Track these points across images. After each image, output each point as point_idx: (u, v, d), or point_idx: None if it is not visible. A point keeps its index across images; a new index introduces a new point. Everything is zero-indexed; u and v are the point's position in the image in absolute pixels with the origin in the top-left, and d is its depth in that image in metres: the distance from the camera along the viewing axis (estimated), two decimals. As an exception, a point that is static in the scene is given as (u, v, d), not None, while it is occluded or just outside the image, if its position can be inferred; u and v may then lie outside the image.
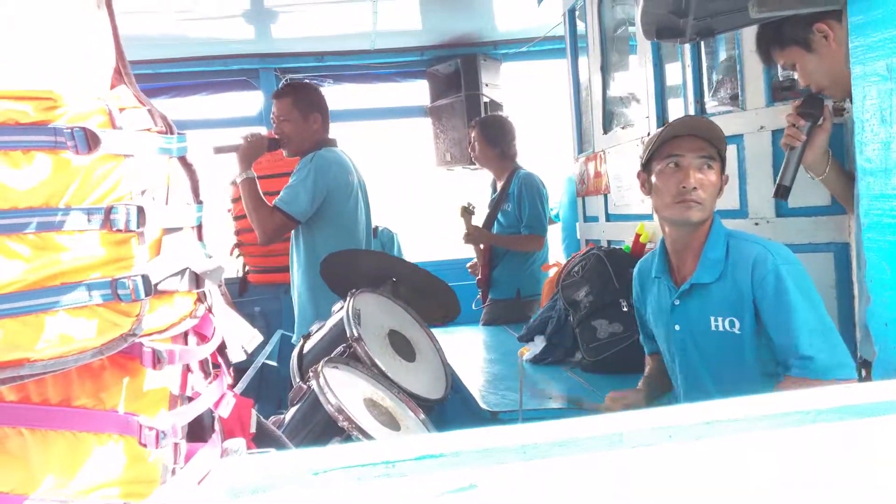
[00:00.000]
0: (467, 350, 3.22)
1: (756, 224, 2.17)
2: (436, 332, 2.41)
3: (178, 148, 0.98)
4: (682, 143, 1.76)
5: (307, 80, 4.72)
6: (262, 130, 3.15)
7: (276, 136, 3.02)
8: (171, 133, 0.97)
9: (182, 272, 0.94)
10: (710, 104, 2.42)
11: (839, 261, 2.02)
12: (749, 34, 2.15)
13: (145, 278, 0.88)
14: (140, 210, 0.87)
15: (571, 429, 1.08)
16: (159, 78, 4.79)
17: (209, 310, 0.99)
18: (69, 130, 0.82)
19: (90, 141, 0.83)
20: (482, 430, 1.10)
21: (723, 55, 2.39)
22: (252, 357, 3.25)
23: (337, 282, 2.52)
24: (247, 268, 4.63)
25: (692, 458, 1.07)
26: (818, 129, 1.75)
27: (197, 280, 0.96)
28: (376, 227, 4.48)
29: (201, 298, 0.98)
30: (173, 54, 4.59)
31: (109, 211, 0.86)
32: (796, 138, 1.73)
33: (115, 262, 0.87)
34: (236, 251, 4.58)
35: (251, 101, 5.02)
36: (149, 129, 0.94)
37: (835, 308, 2.03)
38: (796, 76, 1.93)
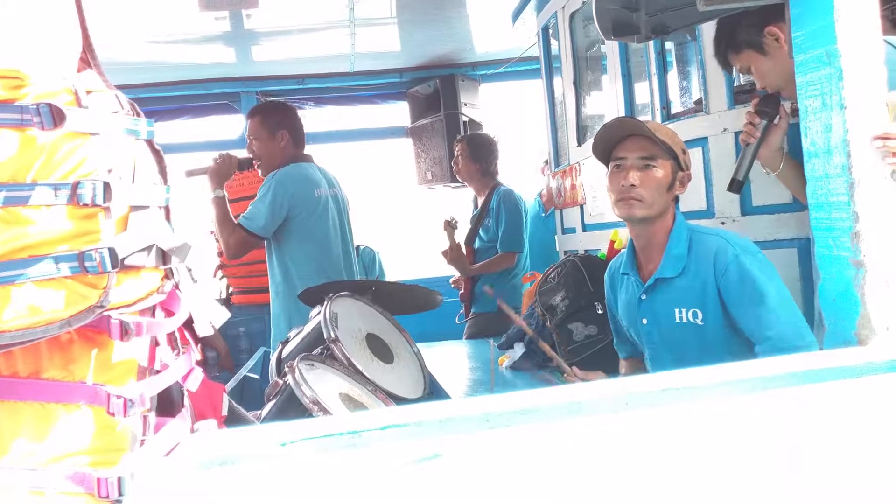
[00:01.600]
0: (449, 360, 3.24)
1: (722, 223, 2.23)
2: (419, 345, 2.44)
3: (147, 131, 1.01)
4: (625, 145, 1.85)
5: (284, 101, 4.80)
6: (243, 153, 3.20)
7: (249, 156, 3.08)
8: (138, 116, 1.00)
9: (149, 248, 0.97)
10: (676, 109, 2.49)
11: (802, 255, 2.08)
12: (709, 40, 2.24)
13: (112, 251, 0.91)
14: (106, 185, 0.90)
15: (532, 398, 1.12)
16: (140, 102, 4.66)
17: (176, 286, 1.02)
18: (35, 106, 0.86)
19: (55, 117, 0.87)
20: (446, 402, 1.13)
21: (690, 63, 2.47)
22: (234, 370, 3.26)
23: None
24: (230, 289, 4.64)
25: (649, 424, 1.11)
26: (773, 127, 1.82)
27: (164, 256, 0.99)
28: (358, 247, 4.52)
29: (168, 275, 1.01)
30: (154, 79, 4.65)
31: (76, 186, 0.89)
32: (751, 135, 1.80)
33: (81, 235, 0.90)
34: (219, 273, 4.59)
35: (232, 125, 5.09)
36: (115, 112, 0.97)
37: (800, 300, 2.08)
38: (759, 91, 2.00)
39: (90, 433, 0.93)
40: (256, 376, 3.30)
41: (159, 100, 4.88)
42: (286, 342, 2.23)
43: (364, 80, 5.02)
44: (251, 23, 3.84)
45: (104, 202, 0.91)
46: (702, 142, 2.27)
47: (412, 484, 1.03)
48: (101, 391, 0.93)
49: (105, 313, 0.93)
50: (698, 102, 2.35)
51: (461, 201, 4.53)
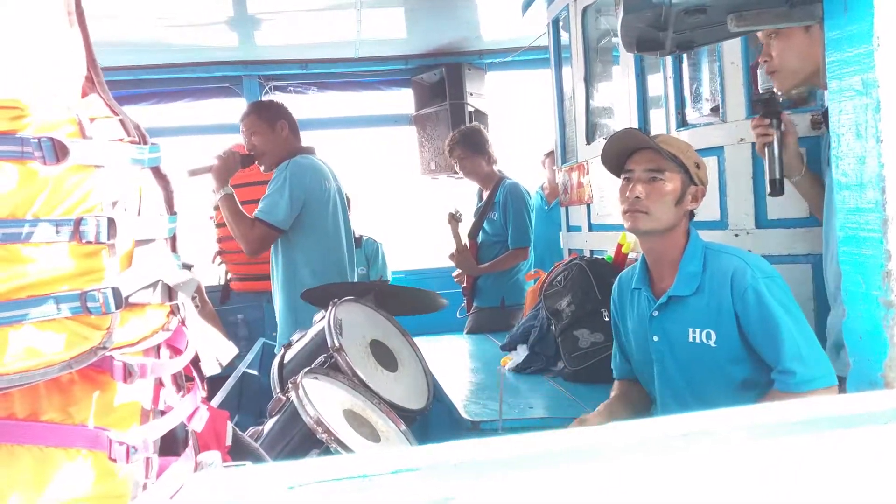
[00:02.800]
0: (450, 358, 3.21)
1: (736, 235, 2.18)
2: (419, 339, 2.41)
3: (151, 158, 0.96)
4: (635, 158, 1.82)
5: (290, 87, 4.74)
6: (240, 139, 3.14)
7: (250, 152, 3.02)
8: (145, 143, 0.95)
9: (154, 284, 0.92)
10: (692, 116, 2.43)
11: (817, 272, 2.04)
12: (730, 47, 2.18)
13: (116, 291, 0.86)
14: (111, 222, 0.86)
15: (549, 441, 1.08)
16: (141, 84, 4.77)
17: (182, 322, 0.97)
18: (36, 140, 0.81)
19: (58, 151, 0.82)
20: (459, 443, 1.09)
21: (705, 67, 2.41)
22: (233, 366, 3.23)
23: (322, 304, 2.51)
24: (229, 275, 4.60)
25: (668, 469, 1.07)
26: (784, 132, 1.79)
27: (170, 292, 0.95)
28: (360, 237, 4.48)
29: (174, 311, 0.96)
30: (156, 61, 4.57)
31: (79, 223, 0.84)
32: (767, 134, 1.77)
33: (84, 274, 0.86)
34: (218, 259, 4.55)
35: (234, 109, 5.01)
36: (121, 140, 0.92)
37: (812, 319, 2.04)
38: (775, 88, 1.94)
39: (90, 480, 0.89)
40: (255, 372, 3.27)
41: (162, 81, 4.80)
42: (289, 346, 2.19)
43: (369, 66, 4.94)
44: (255, 6, 3.76)
45: (108, 239, 0.86)
46: (717, 151, 2.22)
47: (423, 528, 1.00)
48: (103, 436, 0.89)
49: (108, 354, 0.89)
50: (715, 110, 2.29)
51: (465, 193, 4.47)
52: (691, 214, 1.84)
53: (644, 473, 1.07)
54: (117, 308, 0.87)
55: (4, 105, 0.82)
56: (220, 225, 4.24)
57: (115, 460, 0.89)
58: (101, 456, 0.90)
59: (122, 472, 0.90)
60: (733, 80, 2.14)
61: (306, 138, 3.24)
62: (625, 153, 1.83)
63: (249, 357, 3.31)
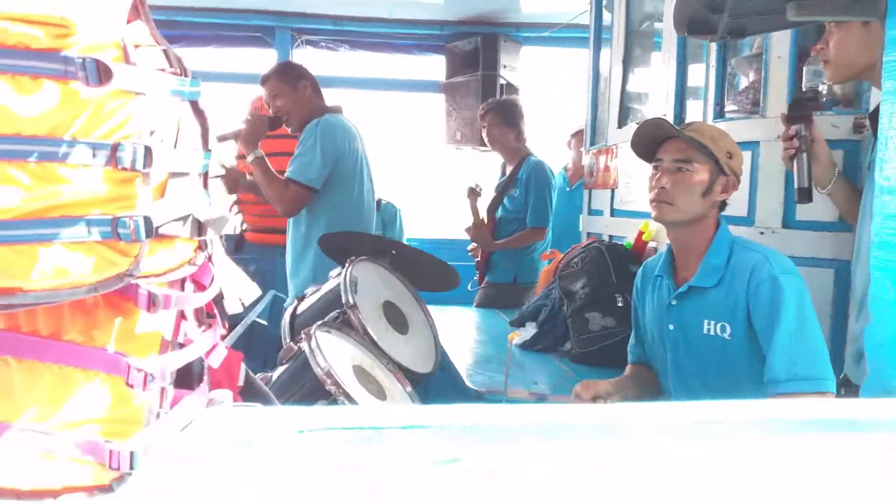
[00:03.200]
0: (459, 330, 3.22)
1: (761, 233, 2.16)
2: (429, 307, 2.41)
3: (191, 92, 0.95)
4: (664, 147, 1.81)
5: (321, 43, 4.70)
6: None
7: (276, 115, 3.01)
8: (186, 75, 0.94)
9: (185, 218, 0.92)
10: (729, 108, 2.40)
11: (839, 278, 2.02)
12: (777, 41, 2.13)
13: (147, 220, 0.86)
14: (147, 150, 0.85)
15: (561, 414, 1.08)
16: (172, 25, 4.74)
17: (209, 259, 0.97)
18: (81, 60, 0.80)
19: (102, 74, 0.81)
20: (470, 407, 1.10)
21: (751, 60, 2.36)
22: (243, 314, 3.25)
23: (335, 255, 2.51)
24: (244, 226, 4.63)
25: (676, 453, 1.07)
26: (814, 142, 1.75)
27: (199, 227, 0.94)
28: (379, 201, 4.47)
29: (202, 247, 0.96)
30: (190, 2, 4.54)
31: (116, 148, 0.84)
32: (791, 147, 1.74)
33: (117, 200, 0.85)
34: (235, 208, 4.57)
35: (264, 59, 4.98)
36: (163, 70, 0.91)
37: (828, 325, 2.03)
38: (821, 87, 1.91)
39: (106, 403, 0.89)
40: (265, 322, 3.30)
41: (193, 25, 4.77)
42: (302, 298, 2.20)
43: (402, 29, 4.90)
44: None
45: (144, 167, 0.86)
46: (752, 146, 2.18)
47: (430, 485, 1.00)
48: (122, 361, 0.90)
49: (134, 282, 0.89)
50: (755, 104, 2.25)
51: (487, 165, 4.44)
52: (722, 205, 1.82)
53: (655, 456, 1.07)
54: (147, 237, 0.86)
55: (51, 21, 0.81)
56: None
57: (132, 386, 0.89)
58: (118, 381, 0.90)
59: (137, 399, 0.91)
60: (778, 75, 2.10)
61: (334, 96, 3.23)
62: (656, 141, 1.82)
63: (260, 307, 3.33)
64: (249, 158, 2.87)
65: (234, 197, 4.45)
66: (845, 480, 1.10)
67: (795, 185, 1.77)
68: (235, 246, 4.66)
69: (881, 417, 1.12)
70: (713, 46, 2.36)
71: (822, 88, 1.90)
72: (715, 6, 1.17)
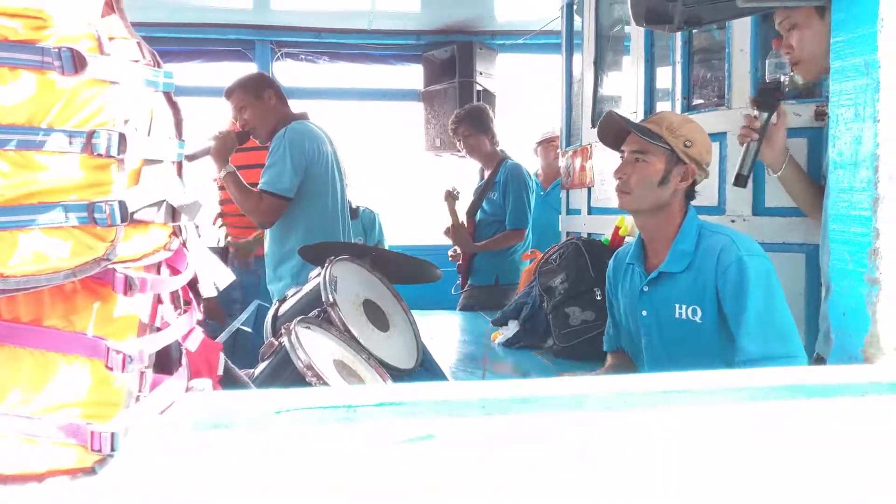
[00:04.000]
0: (442, 332, 3.25)
1: (732, 221, 2.21)
2: (413, 312, 2.43)
3: (165, 83, 0.99)
4: (627, 139, 1.89)
5: (301, 55, 4.74)
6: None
7: (242, 128, 3.04)
8: (159, 67, 0.98)
9: (159, 204, 0.95)
10: (697, 101, 2.46)
11: (810, 262, 2.07)
12: (739, 34, 2.20)
13: (122, 204, 0.88)
14: (122, 137, 0.88)
15: (532, 388, 1.11)
16: (154, 42, 4.66)
17: (183, 244, 1.00)
18: (56, 50, 0.83)
19: (77, 63, 0.84)
20: (442, 384, 1.13)
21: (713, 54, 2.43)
22: (227, 322, 3.26)
23: (316, 263, 2.53)
24: (228, 238, 4.63)
25: (645, 424, 1.10)
26: (774, 127, 1.81)
27: (174, 213, 0.97)
28: (358, 207, 4.50)
29: (176, 232, 0.99)
30: (170, 19, 4.58)
31: (91, 135, 0.87)
32: (748, 136, 1.80)
33: (93, 185, 0.88)
34: (219, 221, 4.58)
35: (245, 73, 5.00)
36: (136, 61, 0.94)
37: (803, 308, 2.08)
38: (783, 78, 1.96)
39: (87, 386, 0.92)
40: (249, 329, 3.31)
41: (174, 40, 4.81)
42: (283, 300, 2.22)
43: (380, 40, 4.96)
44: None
45: (118, 154, 0.89)
46: (720, 137, 2.24)
47: (404, 462, 1.03)
48: (101, 344, 0.92)
49: (110, 266, 0.91)
50: (721, 96, 2.31)
51: (467, 170, 4.49)
52: (690, 193, 1.86)
53: (622, 427, 1.10)
54: (122, 221, 0.89)
55: (28, 14, 0.84)
56: (222, 187, 4.26)
57: (111, 368, 0.92)
58: (98, 364, 0.92)
59: (117, 382, 0.93)
60: (740, 68, 2.17)
61: (315, 107, 3.27)
62: (622, 135, 1.87)
63: (244, 316, 3.35)
64: (221, 174, 2.89)
65: (217, 209, 4.47)
66: (812, 446, 1.13)
67: (736, 169, 1.84)
68: (220, 258, 4.66)
69: (846, 382, 1.16)
70: (678, 43, 2.43)
71: (784, 79, 1.95)
72: (669, -6, 1.22)
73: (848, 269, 1.23)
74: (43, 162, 0.86)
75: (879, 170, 1.16)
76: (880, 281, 1.17)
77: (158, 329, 0.99)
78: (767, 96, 1.83)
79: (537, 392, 1.08)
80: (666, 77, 2.66)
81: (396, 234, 5.01)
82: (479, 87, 4.76)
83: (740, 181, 1.86)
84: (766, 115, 1.81)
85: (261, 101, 3.03)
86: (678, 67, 2.46)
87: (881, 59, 1.15)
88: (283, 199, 2.90)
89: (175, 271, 1.00)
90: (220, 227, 4.64)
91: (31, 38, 0.85)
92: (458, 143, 4.00)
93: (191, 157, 2.91)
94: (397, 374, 1.98)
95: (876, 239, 1.17)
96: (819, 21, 1.74)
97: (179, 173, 1.03)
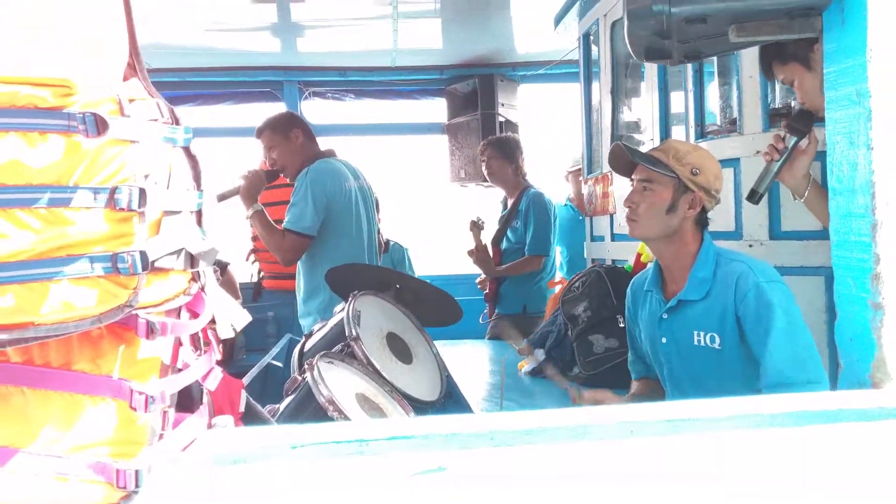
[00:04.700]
0: (469, 361, 3.28)
1: (750, 246, 2.22)
2: (440, 343, 2.47)
3: (184, 138, 1.06)
4: (636, 168, 1.92)
5: (328, 94, 4.88)
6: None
7: (271, 167, 3.14)
8: (177, 124, 1.05)
9: (178, 252, 1.01)
10: (710, 128, 2.48)
11: (829, 284, 2.05)
12: (749, 61, 2.22)
13: (143, 254, 0.95)
14: (142, 192, 0.95)
15: (539, 419, 1.14)
16: (186, 86, 4.96)
17: (202, 289, 1.06)
18: (81, 115, 0.91)
19: (99, 126, 0.91)
20: (453, 417, 1.16)
21: (723, 80, 2.45)
22: (258, 357, 3.34)
23: (342, 289, 2.60)
24: (262, 273, 4.74)
25: (653, 453, 1.12)
26: (800, 152, 1.81)
27: (192, 260, 1.03)
28: (388, 242, 4.57)
29: (195, 278, 1.05)
30: (201, 64, 4.75)
31: (114, 191, 0.94)
32: (771, 154, 1.81)
33: (116, 237, 0.95)
34: (252, 257, 4.69)
35: (274, 112, 5.15)
36: (155, 120, 1.02)
37: (824, 331, 2.06)
38: (793, 103, 1.99)
39: (113, 425, 0.97)
40: (280, 364, 3.37)
41: (206, 84, 4.98)
42: (310, 335, 2.28)
43: (404, 76, 5.07)
44: (298, 14, 3.90)
45: (139, 207, 0.95)
46: (734, 162, 2.26)
47: (416, 494, 1.06)
48: (126, 386, 0.98)
49: (133, 312, 0.98)
50: (733, 122, 2.33)
51: (492, 201, 4.55)
52: (704, 221, 1.88)
53: (631, 456, 1.12)
54: (144, 270, 0.96)
55: (56, 83, 0.92)
56: (255, 224, 4.37)
57: (135, 409, 0.98)
58: (123, 404, 0.98)
59: (140, 421, 0.99)
60: (751, 94, 2.19)
61: (342, 143, 3.36)
62: (633, 163, 1.91)
63: (275, 350, 3.41)
64: (249, 213, 2.99)
65: (251, 246, 4.59)
66: (820, 472, 1.14)
67: (753, 185, 1.84)
68: (254, 294, 4.77)
69: (852, 408, 1.17)
70: (689, 72, 2.46)
71: (794, 104, 1.97)
72: (662, 33, 1.26)
73: (852, 295, 1.24)
74: (70, 217, 0.93)
75: (876, 196, 1.18)
76: (884, 306, 1.18)
77: (179, 370, 1.05)
78: (799, 122, 1.82)
79: (544, 423, 1.11)
80: (682, 102, 2.69)
81: (425, 265, 5.07)
82: (501, 119, 4.83)
83: (753, 197, 1.86)
84: (793, 139, 1.81)
85: (288, 140, 3.14)
86: (690, 95, 2.49)
87: (871, 88, 1.18)
88: (306, 238, 2.99)
89: (194, 314, 1.07)
90: (252, 262, 4.76)
91: (58, 104, 0.93)
92: (483, 164, 4.09)
93: (221, 197, 3.02)
94: (421, 407, 2.01)
95: (877, 264, 1.18)
96: (807, 72, 1.78)
97: (199, 222, 1.10)
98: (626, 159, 1.90)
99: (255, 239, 4.52)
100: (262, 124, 3.26)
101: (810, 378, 1.68)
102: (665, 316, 1.90)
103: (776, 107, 2.19)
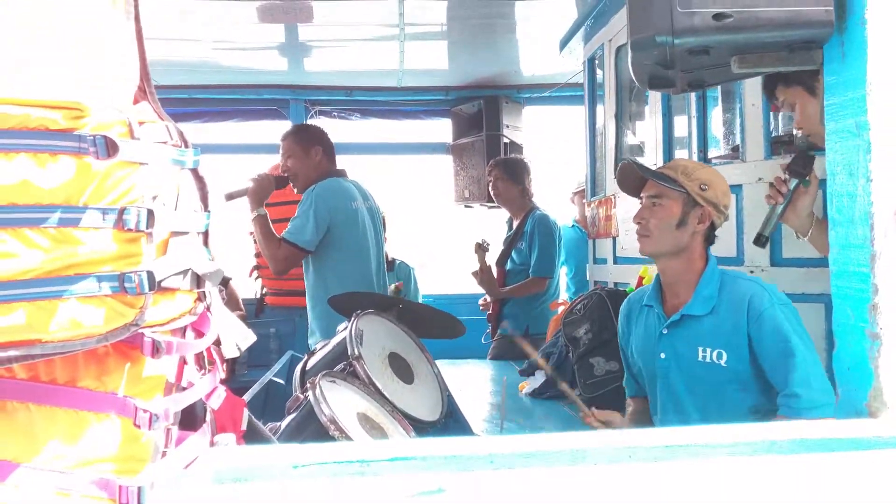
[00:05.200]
0: (471, 381, 3.28)
1: (751, 272, 2.23)
2: (442, 362, 2.48)
3: (192, 161, 1.08)
4: (645, 185, 1.94)
5: (334, 113, 4.91)
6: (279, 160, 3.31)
7: (284, 174, 3.17)
8: (186, 147, 1.07)
9: (185, 272, 1.03)
10: (713, 154, 2.50)
11: (830, 312, 2.05)
12: (751, 90, 2.25)
13: (150, 274, 0.96)
14: (150, 213, 0.97)
15: (538, 442, 1.15)
16: (193, 103, 5.00)
17: (207, 308, 1.07)
18: (92, 137, 0.93)
19: (110, 148, 0.93)
20: (452, 439, 1.17)
21: (726, 108, 2.48)
22: (260, 373, 3.34)
23: (346, 314, 2.61)
24: (264, 290, 4.75)
25: (651, 478, 1.13)
26: (802, 193, 1.82)
27: (198, 280, 1.05)
28: (394, 260, 4.59)
29: (201, 298, 1.06)
30: (208, 81, 4.80)
31: (123, 212, 0.95)
32: (775, 198, 1.82)
33: (124, 257, 0.96)
34: (255, 273, 4.71)
35: (280, 130, 5.19)
36: (164, 142, 1.04)
37: (824, 358, 2.07)
38: (795, 131, 2.01)
39: (117, 442, 0.98)
40: (281, 381, 3.38)
41: (213, 101, 5.03)
42: (312, 353, 2.29)
43: (410, 96, 5.12)
44: (305, 34, 3.95)
45: (147, 228, 0.97)
46: (736, 189, 2.27)
47: (415, 515, 1.07)
48: (130, 403, 0.99)
49: (139, 331, 0.99)
50: (735, 149, 2.35)
51: (496, 221, 4.58)
52: (712, 238, 1.89)
53: (629, 481, 1.13)
54: (150, 290, 0.97)
55: (68, 106, 0.94)
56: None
57: (139, 426, 0.99)
58: (127, 422, 0.99)
59: (144, 438, 1.00)
60: (753, 122, 2.21)
61: (348, 162, 3.38)
62: (641, 182, 1.93)
63: (277, 367, 3.42)
64: (252, 215, 3.01)
65: (254, 262, 4.61)
66: (817, 500, 1.14)
67: (758, 230, 1.85)
68: (256, 310, 4.79)
69: (848, 437, 1.17)
70: (693, 98, 2.49)
71: (797, 133, 1.99)
72: (666, 63, 1.28)
73: (850, 324, 1.25)
74: (79, 237, 0.94)
75: (875, 227, 1.19)
76: (881, 336, 1.19)
77: (184, 388, 1.06)
78: (799, 164, 1.83)
79: (542, 447, 1.12)
80: (685, 127, 2.72)
81: (429, 284, 5.08)
82: (505, 140, 4.87)
83: (760, 241, 1.87)
84: (795, 181, 1.83)
85: (307, 154, 3.17)
86: (693, 122, 2.51)
87: (871, 121, 1.19)
88: (301, 251, 3.01)
89: (199, 334, 1.08)
90: (255, 279, 4.77)
91: (70, 126, 0.95)
92: (489, 184, 4.12)
93: (229, 196, 3.05)
94: (422, 427, 2.01)
95: (875, 294, 1.19)
96: (811, 97, 1.79)
97: (206, 242, 1.11)
98: (634, 177, 1.92)
99: (258, 255, 4.55)
100: (289, 130, 3.32)
101: (829, 401, 1.69)
102: (665, 331, 1.91)
103: (779, 135, 2.21)
